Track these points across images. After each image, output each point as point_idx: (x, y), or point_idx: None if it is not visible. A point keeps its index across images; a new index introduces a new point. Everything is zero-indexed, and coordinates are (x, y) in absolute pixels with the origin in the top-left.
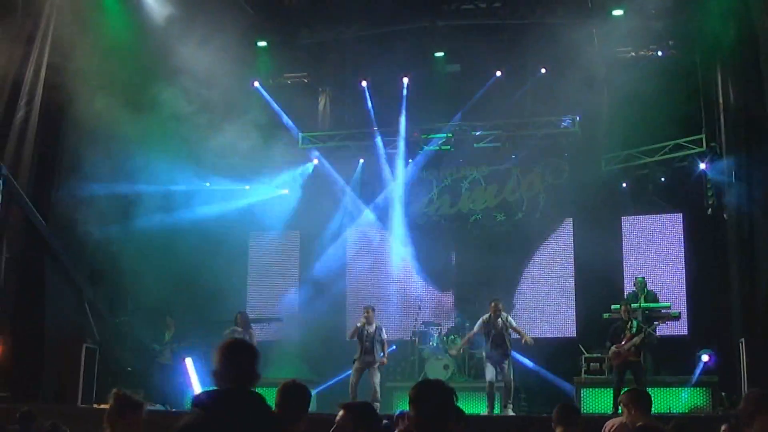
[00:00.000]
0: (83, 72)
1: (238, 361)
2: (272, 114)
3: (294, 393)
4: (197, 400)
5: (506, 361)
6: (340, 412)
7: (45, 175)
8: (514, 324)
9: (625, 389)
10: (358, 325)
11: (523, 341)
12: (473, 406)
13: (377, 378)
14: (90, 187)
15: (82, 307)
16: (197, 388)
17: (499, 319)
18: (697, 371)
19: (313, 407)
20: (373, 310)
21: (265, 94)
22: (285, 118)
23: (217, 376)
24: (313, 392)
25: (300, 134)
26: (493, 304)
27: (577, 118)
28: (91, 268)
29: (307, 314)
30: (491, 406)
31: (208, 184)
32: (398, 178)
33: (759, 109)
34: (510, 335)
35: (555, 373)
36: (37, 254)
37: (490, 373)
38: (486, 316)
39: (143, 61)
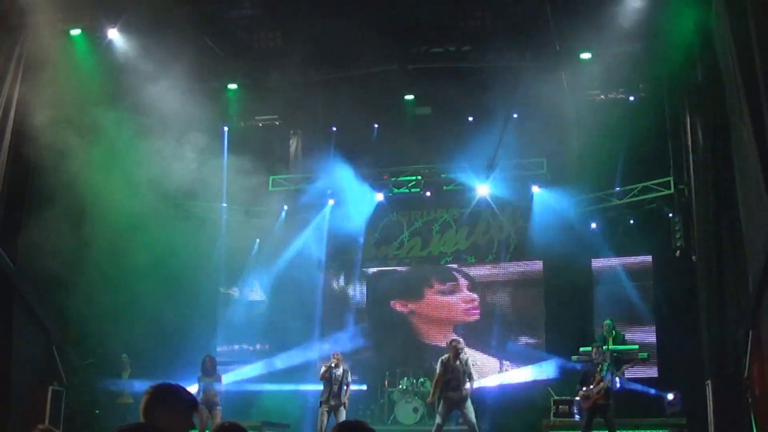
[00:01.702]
0: (52, 115)
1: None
2: (241, 157)
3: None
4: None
5: (465, 404)
6: None
7: (12, 217)
8: (470, 369)
9: None
10: (329, 365)
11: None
12: None
13: (342, 419)
14: (59, 229)
15: (49, 349)
16: None
17: (458, 361)
18: (664, 410)
19: None
20: (341, 355)
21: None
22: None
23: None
24: None
25: (270, 177)
26: (452, 344)
27: (546, 161)
28: (59, 310)
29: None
30: None
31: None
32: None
33: (725, 151)
34: (469, 378)
35: (525, 415)
36: (4, 297)
37: (439, 416)
38: (445, 356)
39: (112, 103)
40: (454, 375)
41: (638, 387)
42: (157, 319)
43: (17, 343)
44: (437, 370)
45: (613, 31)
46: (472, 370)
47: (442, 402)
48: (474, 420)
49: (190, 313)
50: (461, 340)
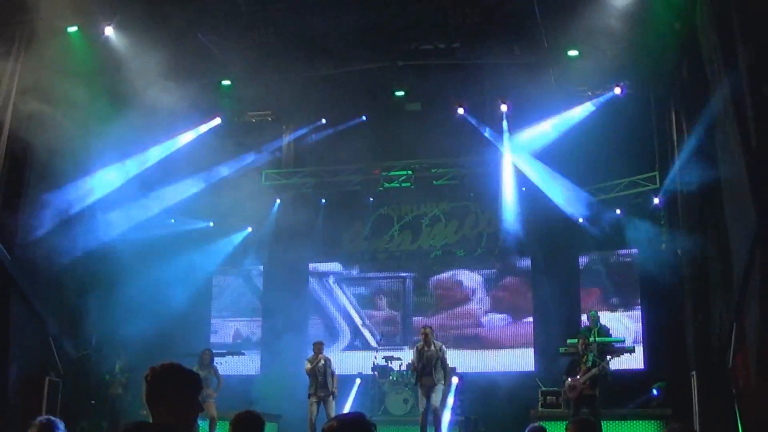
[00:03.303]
0: (50, 111)
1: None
2: (235, 151)
3: (247, 424)
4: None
5: (434, 388)
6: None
7: (10, 208)
8: (442, 355)
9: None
10: (308, 360)
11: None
12: None
13: (332, 409)
14: (56, 220)
15: (46, 340)
16: None
17: (432, 347)
18: (649, 401)
19: None
20: (322, 344)
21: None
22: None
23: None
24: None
25: (263, 172)
26: (423, 331)
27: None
28: (56, 301)
29: (268, 348)
30: None
31: (173, 221)
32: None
33: (710, 147)
34: (442, 364)
35: (513, 406)
36: (1, 288)
37: (422, 403)
38: (419, 343)
39: (108, 99)
40: (428, 361)
41: (627, 377)
42: (153, 308)
43: (15, 334)
44: (412, 358)
45: (599, 28)
46: (446, 357)
47: (419, 387)
48: (436, 403)
49: (187, 301)
50: (431, 327)
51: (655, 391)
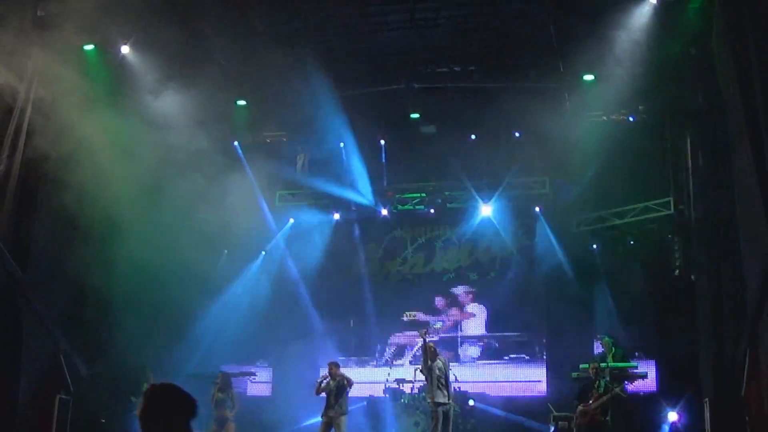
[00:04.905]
0: (64, 127)
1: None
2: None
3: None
4: None
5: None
6: None
7: (22, 226)
8: (436, 375)
9: None
10: (318, 380)
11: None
12: None
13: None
14: (68, 238)
15: (57, 358)
16: None
17: (434, 364)
18: (662, 428)
19: None
20: (338, 365)
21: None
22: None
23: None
24: None
25: (277, 192)
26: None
27: (548, 180)
28: (67, 318)
29: (282, 366)
30: None
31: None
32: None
33: (725, 174)
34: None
35: (524, 430)
36: (13, 304)
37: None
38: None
39: (123, 119)
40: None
41: (640, 403)
42: (167, 326)
43: (25, 351)
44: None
45: (615, 54)
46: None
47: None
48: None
49: (201, 321)
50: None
51: (674, 415)
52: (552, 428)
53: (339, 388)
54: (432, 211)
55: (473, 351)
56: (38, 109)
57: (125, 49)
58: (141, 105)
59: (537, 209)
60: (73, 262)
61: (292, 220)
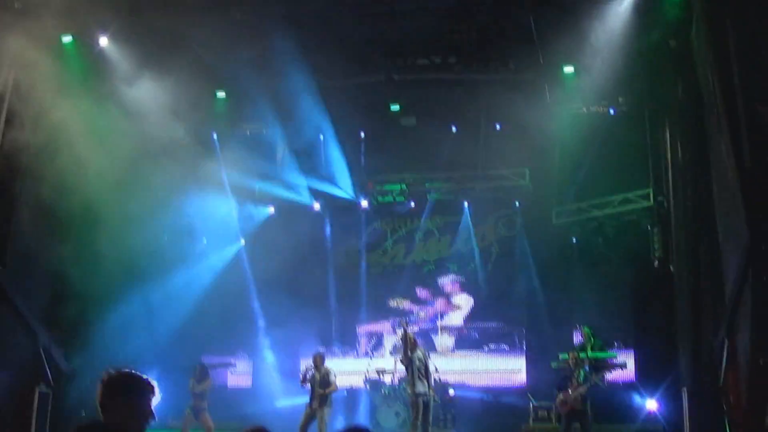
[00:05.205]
0: (43, 119)
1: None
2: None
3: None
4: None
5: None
6: None
7: (3, 218)
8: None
9: None
10: (302, 370)
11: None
12: None
13: (323, 422)
14: (49, 232)
15: (36, 351)
16: None
17: (418, 351)
18: (641, 416)
19: None
20: (322, 357)
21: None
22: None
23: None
24: None
25: (257, 183)
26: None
27: (528, 171)
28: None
29: (261, 358)
30: None
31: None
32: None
33: (704, 165)
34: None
35: (504, 420)
36: None
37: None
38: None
39: (102, 110)
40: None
41: (619, 392)
42: (148, 318)
43: (5, 345)
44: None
45: (595, 46)
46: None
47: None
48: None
49: (181, 312)
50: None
51: (653, 404)
52: (531, 417)
53: (324, 381)
54: (412, 203)
55: (451, 342)
56: (17, 102)
57: (103, 41)
58: (119, 96)
59: (517, 204)
60: (53, 255)
61: (272, 209)
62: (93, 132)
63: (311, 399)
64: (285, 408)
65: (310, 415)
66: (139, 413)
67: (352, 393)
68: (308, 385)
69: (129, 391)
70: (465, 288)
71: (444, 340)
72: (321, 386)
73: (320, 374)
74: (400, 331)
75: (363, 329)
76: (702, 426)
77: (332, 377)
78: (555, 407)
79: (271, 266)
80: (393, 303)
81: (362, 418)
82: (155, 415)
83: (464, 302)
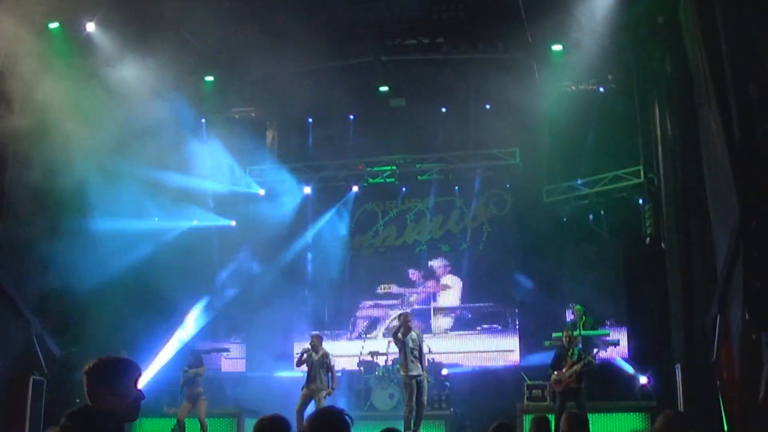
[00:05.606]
0: (31, 104)
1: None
2: (219, 148)
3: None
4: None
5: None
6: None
7: None
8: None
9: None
10: (300, 351)
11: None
12: None
13: (322, 404)
14: (38, 219)
15: (29, 339)
16: None
17: (412, 332)
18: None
19: None
20: (320, 338)
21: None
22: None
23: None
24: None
25: (247, 168)
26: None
27: (518, 151)
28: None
29: (254, 342)
30: None
31: (156, 219)
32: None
33: (694, 141)
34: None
35: (498, 399)
36: None
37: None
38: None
39: (88, 94)
40: (313, 367)
41: (614, 367)
42: (141, 305)
43: None
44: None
45: (583, 24)
46: (405, 348)
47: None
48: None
49: (174, 297)
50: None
51: (644, 378)
52: (525, 396)
53: (322, 363)
54: (402, 184)
55: (446, 322)
56: (3, 94)
57: (90, 26)
58: (106, 81)
59: (507, 186)
60: (44, 242)
61: (262, 192)
62: (80, 117)
63: (309, 380)
64: (279, 391)
65: (308, 396)
66: (126, 395)
67: (345, 375)
68: (304, 367)
69: (113, 375)
70: (457, 269)
71: (438, 321)
72: (319, 368)
73: (318, 356)
74: (393, 313)
75: (355, 312)
76: (695, 401)
77: (331, 359)
78: (549, 386)
79: (261, 249)
80: (385, 285)
81: (356, 400)
82: (143, 394)
83: (456, 283)
